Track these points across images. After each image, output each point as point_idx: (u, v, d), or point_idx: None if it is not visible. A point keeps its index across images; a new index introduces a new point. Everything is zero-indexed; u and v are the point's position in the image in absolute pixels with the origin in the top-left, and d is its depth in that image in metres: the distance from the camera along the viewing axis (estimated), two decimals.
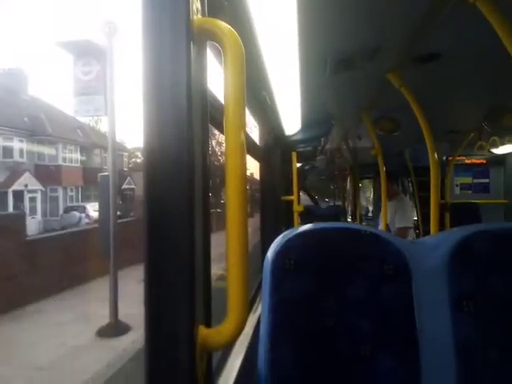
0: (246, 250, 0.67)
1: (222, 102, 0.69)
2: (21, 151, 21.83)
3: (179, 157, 0.62)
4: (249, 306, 0.72)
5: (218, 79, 0.85)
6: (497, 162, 5.32)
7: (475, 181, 5.59)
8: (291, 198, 3.14)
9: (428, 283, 1.01)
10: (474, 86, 2.36)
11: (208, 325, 0.70)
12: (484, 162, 5.45)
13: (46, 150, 23.11)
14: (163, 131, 0.62)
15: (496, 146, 3.75)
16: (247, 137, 1.80)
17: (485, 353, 0.95)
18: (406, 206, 3.95)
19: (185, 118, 0.62)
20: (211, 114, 0.86)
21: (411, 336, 0.98)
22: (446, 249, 1.01)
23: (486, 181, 5.52)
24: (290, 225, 3.48)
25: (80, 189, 25.45)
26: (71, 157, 24.75)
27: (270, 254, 1.04)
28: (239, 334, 0.66)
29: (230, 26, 0.67)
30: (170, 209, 0.62)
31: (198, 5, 0.68)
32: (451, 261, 1.00)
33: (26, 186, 21.23)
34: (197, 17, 0.67)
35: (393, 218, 3.75)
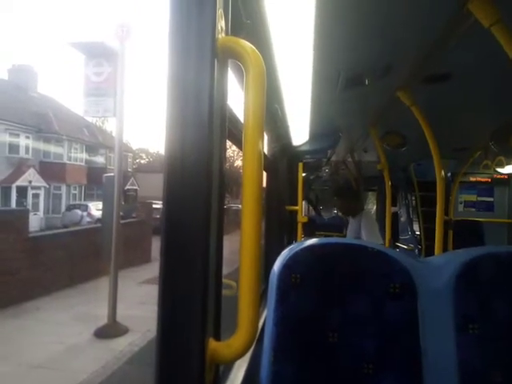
0: (258, 266, 0.68)
1: (239, 118, 0.71)
2: (27, 147, 21.96)
3: (198, 169, 0.64)
4: (258, 321, 0.73)
5: (236, 95, 0.87)
6: (502, 181, 5.32)
7: (479, 199, 5.58)
8: (296, 208, 3.15)
9: (433, 303, 1.01)
10: (483, 105, 2.38)
11: (217, 337, 0.71)
12: (489, 180, 5.45)
13: (52, 148, 23.25)
14: (184, 143, 0.64)
15: (502, 166, 3.75)
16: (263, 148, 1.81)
17: (488, 376, 0.96)
18: (371, 222, 3.64)
19: (206, 132, 0.64)
20: (228, 129, 0.88)
21: (415, 355, 0.98)
22: (452, 270, 1.02)
23: (491, 199, 5.50)
24: (293, 235, 3.49)
25: (83, 187, 25.54)
26: (76, 155, 24.87)
27: (276, 267, 1.05)
28: (249, 348, 0.67)
29: (252, 46, 0.69)
30: (187, 221, 0.64)
31: (223, 23, 0.70)
32: (457, 282, 1.00)
33: (30, 182, 21.33)
34: (221, 35, 0.69)
35: (357, 234, 3.52)
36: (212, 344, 0.67)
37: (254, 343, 1.38)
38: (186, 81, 0.64)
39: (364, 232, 3.43)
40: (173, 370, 0.63)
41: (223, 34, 0.70)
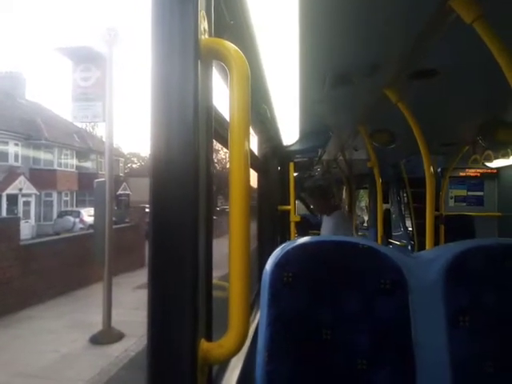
0: (249, 266, 0.68)
1: (226, 117, 0.71)
2: (16, 155, 21.73)
3: (185, 171, 0.64)
4: (249, 320, 0.73)
5: (222, 95, 0.88)
6: (491, 175, 5.39)
7: (469, 193, 5.64)
8: (288, 207, 3.16)
9: (424, 298, 1.02)
10: (469, 101, 2.41)
11: (209, 338, 0.71)
12: (478, 174, 5.52)
13: (42, 155, 23.03)
14: (170, 145, 0.64)
15: (490, 160, 3.80)
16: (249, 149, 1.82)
17: (480, 367, 0.97)
18: (343, 221, 3.65)
19: (191, 133, 0.64)
20: (215, 129, 0.88)
21: (407, 350, 0.99)
22: (442, 264, 1.03)
23: (480, 193, 5.57)
24: (286, 234, 3.49)
25: (75, 194, 25.33)
26: (67, 161, 24.67)
27: (268, 266, 1.06)
28: (240, 348, 0.67)
29: (236, 47, 0.69)
30: (174, 223, 0.64)
31: (206, 25, 0.71)
32: (447, 276, 1.02)
33: (20, 189, 21.10)
34: (204, 36, 0.69)
35: (333, 233, 3.60)
36: (204, 344, 0.67)
37: (249, 343, 1.39)
38: (170, 83, 0.64)
39: (339, 232, 3.47)
40: (165, 372, 0.63)
41: (206, 36, 0.70)
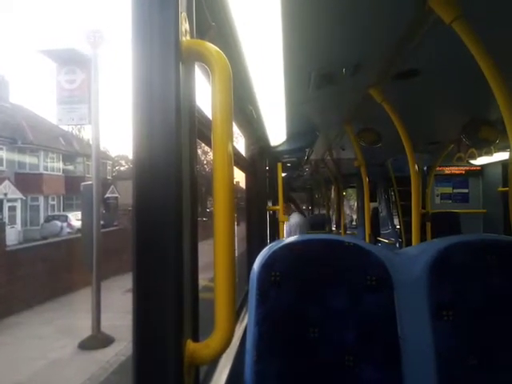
0: (233, 264, 0.68)
1: (211, 118, 0.71)
2: (0, 159, 21.32)
3: (168, 172, 0.64)
4: (235, 319, 0.73)
5: (206, 95, 0.88)
6: (475, 172, 5.49)
7: (455, 191, 5.73)
8: (277, 208, 3.17)
9: (409, 293, 1.04)
10: (452, 100, 2.45)
11: (195, 338, 0.71)
12: (463, 172, 5.61)
13: (27, 159, 22.63)
14: (152, 147, 0.64)
15: (474, 158, 3.87)
16: (233, 148, 1.82)
17: (464, 360, 0.99)
18: (303, 221, 4.41)
19: (173, 135, 0.64)
20: (199, 130, 0.88)
21: (393, 345, 1.01)
22: (426, 260, 1.05)
23: (466, 191, 5.66)
24: (276, 235, 3.51)
25: (62, 198, 24.96)
26: (53, 165, 24.28)
27: (256, 266, 1.06)
28: (227, 348, 0.68)
29: (217, 49, 0.70)
30: (158, 223, 0.64)
31: (187, 26, 0.71)
32: (431, 271, 1.04)
33: (5, 194, 20.70)
34: (185, 38, 0.69)
35: (294, 231, 4.17)
36: (190, 345, 0.67)
37: (238, 342, 1.39)
38: (151, 84, 0.64)
39: (296, 229, 4.10)
40: (151, 373, 0.63)
41: (188, 37, 0.71)
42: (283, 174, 3.98)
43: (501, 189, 4.78)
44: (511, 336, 0.99)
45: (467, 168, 5.42)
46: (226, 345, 0.67)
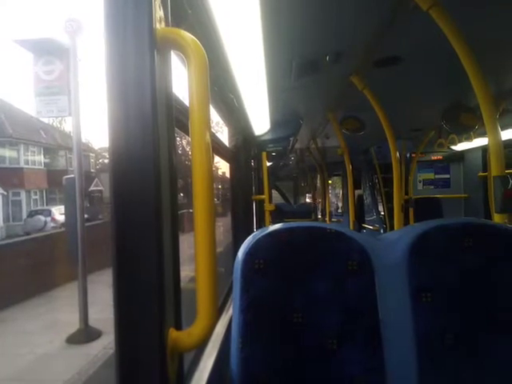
0: (214, 252, 0.69)
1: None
2: None
3: (145, 161, 0.64)
4: (218, 308, 0.74)
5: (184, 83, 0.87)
6: (456, 158, 5.59)
7: (437, 176, 5.84)
8: (262, 197, 3.18)
9: (389, 277, 1.06)
10: (432, 86, 2.48)
11: (178, 327, 0.72)
12: (444, 158, 5.71)
13: (7, 152, 22.06)
14: (128, 136, 0.64)
15: (454, 144, 3.94)
16: (215, 138, 1.81)
17: (442, 340, 1.02)
18: None
19: (150, 123, 0.64)
20: (177, 118, 0.87)
21: (374, 328, 1.03)
22: (406, 244, 1.08)
23: (447, 176, 5.78)
24: (262, 224, 3.52)
25: (45, 192, 24.48)
26: (34, 159, 23.74)
27: (240, 254, 1.07)
28: (209, 335, 0.69)
29: (193, 37, 0.69)
30: (137, 212, 0.64)
31: (162, 14, 0.70)
32: (410, 255, 1.06)
33: None
34: (160, 26, 0.68)
35: None
36: (173, 334, 0.68)
37: (224, 330, 1.40)
38: (125, 73, 0.63)
39: None
40: (134, 362, 0.63)
41: (163, 25, 0.70)
42: (268, 164, 3.98)
43: (481, 174, 4.89)
44: (487, 315, 1.03)
45: (448, 154, 5.52)
46: (208, 333, 0.68)
